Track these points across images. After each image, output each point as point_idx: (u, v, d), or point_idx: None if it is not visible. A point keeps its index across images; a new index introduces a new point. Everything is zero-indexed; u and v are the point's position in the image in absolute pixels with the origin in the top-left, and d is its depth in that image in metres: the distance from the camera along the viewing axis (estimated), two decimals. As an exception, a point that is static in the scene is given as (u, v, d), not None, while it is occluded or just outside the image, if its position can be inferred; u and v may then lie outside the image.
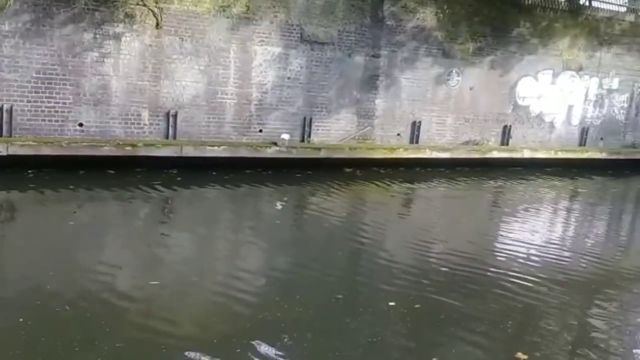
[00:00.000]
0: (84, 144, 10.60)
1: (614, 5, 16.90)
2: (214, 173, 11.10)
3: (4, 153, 9.85)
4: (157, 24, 11.22)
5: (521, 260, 7.54)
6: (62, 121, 10.81)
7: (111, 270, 6.23)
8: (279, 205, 10.51)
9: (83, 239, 7.35)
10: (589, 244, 9.11)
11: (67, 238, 7.36)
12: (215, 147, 11.68)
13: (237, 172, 11.35)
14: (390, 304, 5.73)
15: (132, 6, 10.91)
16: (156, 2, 11.08)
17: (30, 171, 9.88)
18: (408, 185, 12.50)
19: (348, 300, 5.87)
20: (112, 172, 10.43)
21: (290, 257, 7.30)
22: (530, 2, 15.40)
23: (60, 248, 6.91)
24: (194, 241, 7.70)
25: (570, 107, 16.61)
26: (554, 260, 7.71)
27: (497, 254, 7.95)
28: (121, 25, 10.96)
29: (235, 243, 7.95)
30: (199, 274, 6.35)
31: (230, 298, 5.68)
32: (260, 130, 12.63)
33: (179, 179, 10.73)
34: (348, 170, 12.71)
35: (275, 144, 12.24)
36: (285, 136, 12.45)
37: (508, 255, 7.74)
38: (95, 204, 9.31)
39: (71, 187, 9.56)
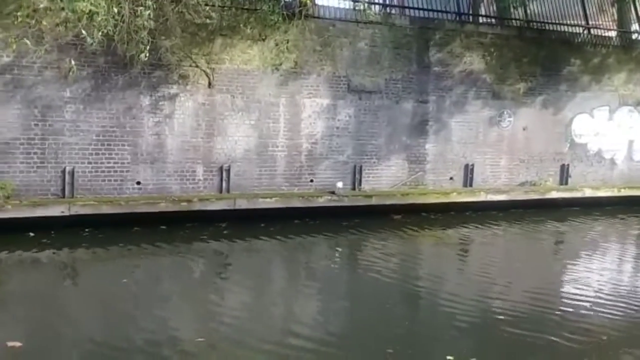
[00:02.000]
0: (142, 201, 10.92)
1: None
2: (262, 225, 11.12)
3: (67, 213, 10.25)
4: (210, 83, 11.62)
5: (589, 315, 7.04)
6: (121, 180, 11.20)
7: (158, 327, 6.26)
8: (329, 257, 10.30)
9: (128, 297, 7.39)
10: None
11: (112, 296, 7.40)
12: (268, 199, 11.80)
13: (285, 223, 11.33)
14: (449, 358, 5.48)
15: (185, 68, 11.37)
16: (208, 63, 11.51)
17: (87, 230, 10.17)
18: (463, 230, 12.13)
19: (403, 354, 5.65)
20: (164, 227, 10.61)
21: (344, 313, 7.18)
22: (579, 39, 15.15)
23: (104, 306, 6.99)
24: (242, 297, 7.64)
25: (631, 143, 16.00)
26: (625, 308, 7.24)
27: (563, 305, 7.43)
28: (175, 86, 11.41)
29: (285, 298, 7.85)
30: (249, 332, 6.27)
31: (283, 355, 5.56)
32: (312, 180, 12.70)
33: (225, 232, 10.75)
34: (396, 217, 12.48)
35: (333, 192, 12.30)
36: (340, 184, 12.49)
37: (575, 308, 7.25)
38: (142, 260, 9.36)
39: (121, 244, 9.74)
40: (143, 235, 10.20)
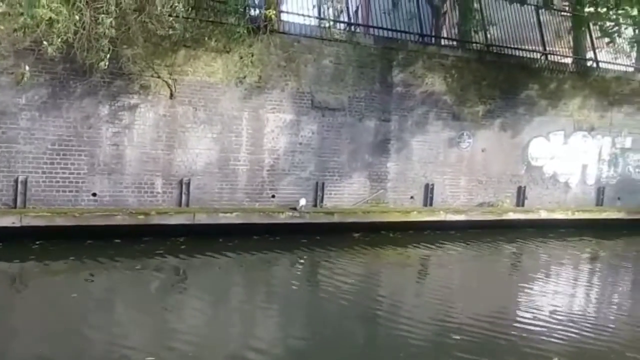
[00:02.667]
0: (97, 213, 10.62)
1: (622, 66, 17.08)
2: (220, 240, 10.94)
3: (18, 224, 9.88)
4: (171, 95, 11.47)
5: (543, 333, 7.17)
6: (76, 191, 10.88)
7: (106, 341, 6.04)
8: (284, 274, 10.15)
9: (76, 313, 7.10)
10: (612, 312, 8.77)
11: (60, 311, 7.13)
12: (228, 214, 11.64)
13: (244, 239, 11.16)
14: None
15: (147, 78, 11.19)
16: (170, 74, 11.37)
17: (37, 242, 9.80)
18: (422, 249, 12.23)
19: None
20: (118, 241, 10.30)
21: (300, 331, 7.09)
22: (537, 65, 15.61)
23: (51, 322, 6.73)
24: (195, 314, 7.45)
25: (584, 167, 16.49)
26: (578, 332, 7.37)
27: (515, 330, 7.45)
28: (136, 96, 11.21)
29: (237, 315, 7.68)
30: (201, 350, 6.12)
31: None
32: (273, 196, 12.61)
33: (183, 247, 10.52)
34: (356, 235, 12.48)
35: (294, 209, 12.22)
36: (302, 201, 12.44)
37: (530, 328, 7.34)
38: (94, 274, 8.97)
39: (72, 257, 9.39)
40: (96, 248, 9.86)
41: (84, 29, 9.76)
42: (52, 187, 10.70)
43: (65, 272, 9.00)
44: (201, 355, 5.97)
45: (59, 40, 9.51)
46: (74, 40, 9.74)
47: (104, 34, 9.75)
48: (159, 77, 11.25)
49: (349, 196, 13.45)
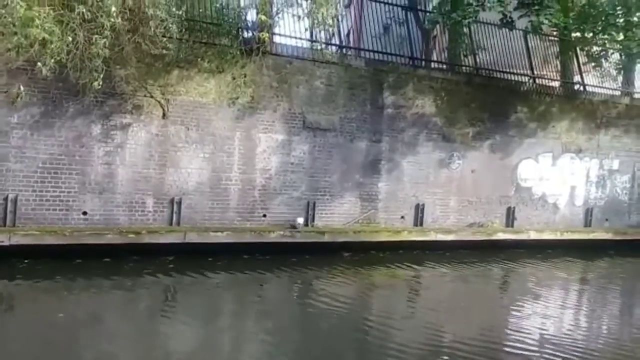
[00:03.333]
0: (87, 232, 10.59)
1: (608, 89, 17.38)
2: (209, 259, 10.92)
3: (6, 243, 9.83)
4: (164, 114, 11.54)
5: (539, 354, 7.24)
6: (67, 210, 10.87)
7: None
8: (270, 294, 10.16)
9: (63, 332, 7.07)
10: (602, 332, 8.82)
11: (46, 331, 7.09)
12: (219, 233, 11.64)
13: (234, 258, 11.15)
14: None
15: (139, 98, 11.27)
16: (163, 94, 11.46)
17: (26, 261, 9.74)
18: (413, 269, 12.25)
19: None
20: (107, 260, 10.26)
21: (290, 351, 7.05)
22: (525, 88, 15.87)
23: (37, 341, 6.69)
24: (181, 333, 7.43)
25: (572, 189, 16.67)
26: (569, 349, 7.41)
27: (509, 345, 7.58)
28: (129, 116, 11.28)
29: (223, 335, 7.70)
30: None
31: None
32: (264, 215, 12.64)
33: (171, 265, 10.49)
34: (347, 254, 12.51)
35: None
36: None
37: (515, 355, 7.35)
38: (81, 293, 8.95)
39: (58, 277, 9.34)
40: (85, 267, 9.82)
41: (77, 49, 9.84)
42: (42, 205, 10.68)
43: (53, 291, 8.94)
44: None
45: (52, 60, 9.58)
46: (67, 60, 9.80)
47: (98, 54, 9.86)
48: (151, 97, 11.33)
49: (339, 216, 13.50)
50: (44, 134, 10.65)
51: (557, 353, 7.27)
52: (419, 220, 14.40)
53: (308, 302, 9.52)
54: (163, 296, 9.44)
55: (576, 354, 7.34)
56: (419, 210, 14.41)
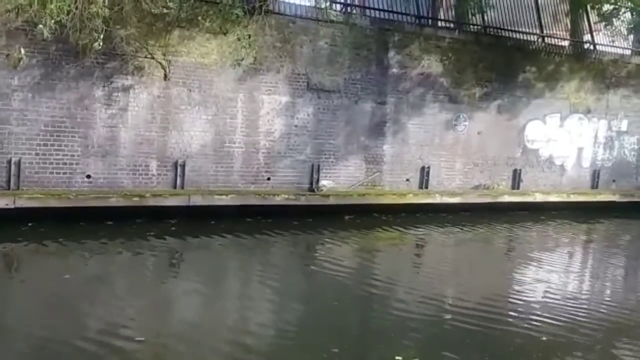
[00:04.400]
0: (91, 195, 10.58)
1: (619, 49, 17.01)
2: (212, 222, 10.90)
3: (11, 206, 9.83)
4: (165, 76, 11.36)
5: (540, 311, 7.25)
6: (70, 173, 10.83)
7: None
8: (283, 256, 10.19)
9: (62, 292, 7.08)
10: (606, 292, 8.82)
11: (53, 292, 7.13)
12: (223, 196, 11.61)
13: (237, 222, 11.10)
14: (397, 358, 5.48)
15: (140, 59, 11.08)
16: (164, 55, 11.25)
17: (29, 224, 9.71)
18: (417, 231, 12.25)
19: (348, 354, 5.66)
20: (111, 223, 10.25)
21: (294, 311, 7.11)
22: (534, 47, 15.53)
23: (44, 302, 6.72)
24: (183, 295, 7.48)
25: (580, 150, 16.50)
26: (570, 313, 7.41)
27: (512, 306, 7.55)
28: (130, 77, 11.11)
29: (224, 296, 7.71)
30: (191, 331, 6.15)
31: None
32: (269, 179, 12.58)
33: (173, 229, 10.49)
34: (351, 217, 12.46)
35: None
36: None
37: (523, 309, 7.38)
38: (83, 256, 8.93)
39: (63, 240, 9.34)
40: (89, 230, 9.81)
41: (76, 9, 9.64)
42: (45, 168, 10.64)
43: (58, 253, 8.97)
44: (190, 335, 5.99)
45: (52, 21, 9.39)
46: (67, 20, 9.61)
47: (97, 13, 9.67)
48: (152, 58, 11.14)
49: (344, 179, 13.42)
50: (46, 96, 10.52)
51: (555, 311, 7.29)
52: (424, 183, 14.32)
53: (312, 264, 9.55)
54: (168, 258, 9.46)
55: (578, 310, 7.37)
56: (425, 172, 14.31)
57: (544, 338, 6.29)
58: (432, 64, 14.13)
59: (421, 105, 14.15)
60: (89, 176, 10.98)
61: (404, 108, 13.94)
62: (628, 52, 17.37)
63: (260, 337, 6.11)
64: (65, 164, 10.78)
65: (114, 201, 10.59)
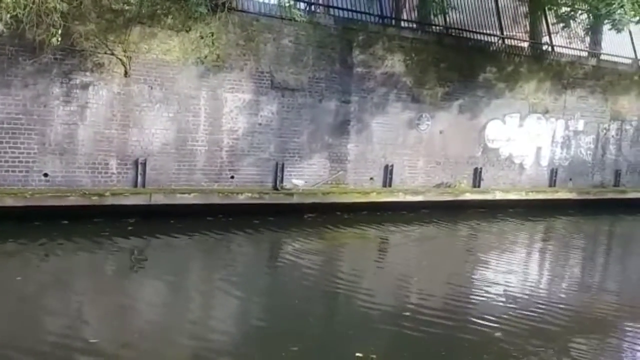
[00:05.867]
0: (49, 194, 10.34)
1: (576, 50, 17.48)
2: (172, 221, 10.76)
3: (-36, 205, 9.54)
4: (126, 73, 11.18)
5: (497, 307, 7.45)
6: (27, 172, 10.56)
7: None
8: (244, 255, 10.12)
9: (14, 294, 6.93)
10: (561, 287, 9.09)
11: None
12: (186, 195, 11.51)
13: (197, 220, 11.01)
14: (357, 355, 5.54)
15: (100, 55, 10.87)
16: (125, 51, 11.07)
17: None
18: (381, 229, 12.37)
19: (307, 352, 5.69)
20: (70, 222, 10.04)
21: (254, 310, 7.10)
22: (495, 48, 15.84)
23: None
24: (136, 294, 7.44)
25: (538, 149, 16.91)
26: (528, 307, 7.62)
27: (472, 300, 7.79)
28: (89, 74, 10.89)
29: (187, 298, 7.66)
30: (147, 331, 6.07)
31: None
32: (232, 177, 12.52)
33: (131, 228, 10.34)
34: (315, 215, 12.50)
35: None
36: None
37: (483, 302, 7.60)
38: (39, 256, 8.74)
39: (20, 239, 9.15)
40: (46, 230, 9.59)
41: (33, 3, 9.41)
42: (1, 167, 10.35)
43: (11, 254, 8.74)
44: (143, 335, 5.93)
45: (8, 15, 9.15)
46: (23, 15, 9.38)
47: (55, 8, 9.50)
48: (112, 54, 10.94)
49: (308, 177, 13.45)
50: (1, 93, 10.22)
51: (512, 304, 7.48)
52: (387, 181, 14.47)
53: (274, 263, 9.57)
54: (125, 257, 9.31)
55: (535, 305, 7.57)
56: (388, 171, 14.46)
57: (498, 334, 6.44)
58: (395, 64, 14.27)
59: (385, 104, 14.28)
60: (46, 175, 10.73)
61: (368, 107, 14.05)
62: (585, 53, 17.86)
63: (220, 335, 6.10)
64: (21, 162, 10.50)
65: (72, 200, 10.38)
